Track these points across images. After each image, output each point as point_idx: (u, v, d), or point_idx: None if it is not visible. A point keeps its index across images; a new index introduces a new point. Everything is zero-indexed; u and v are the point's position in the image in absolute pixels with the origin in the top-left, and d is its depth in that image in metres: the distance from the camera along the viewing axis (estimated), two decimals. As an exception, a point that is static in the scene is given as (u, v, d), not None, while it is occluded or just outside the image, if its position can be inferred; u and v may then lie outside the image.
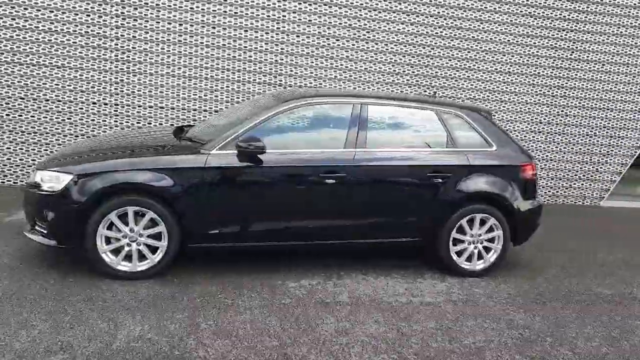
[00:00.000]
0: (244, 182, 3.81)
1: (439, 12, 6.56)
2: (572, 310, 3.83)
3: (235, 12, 6.04)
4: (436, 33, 6.59)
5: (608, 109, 7.33)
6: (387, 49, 6.50)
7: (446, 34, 6.64)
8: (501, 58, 6.89)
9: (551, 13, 6.90)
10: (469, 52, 6.76)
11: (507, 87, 6.97)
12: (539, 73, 7.06)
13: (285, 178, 3.87)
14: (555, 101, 7.18)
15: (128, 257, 3.72)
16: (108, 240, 3.67)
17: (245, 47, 6.15)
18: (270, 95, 4.54)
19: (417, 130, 4.27)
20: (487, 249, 4.32)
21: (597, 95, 7.27)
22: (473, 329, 3.40)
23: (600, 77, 7.22)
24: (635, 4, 7.08)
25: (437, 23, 6.59)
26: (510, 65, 6.94)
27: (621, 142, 7.49)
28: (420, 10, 6.48)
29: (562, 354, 3.16)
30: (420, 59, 6.62)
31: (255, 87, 6.29)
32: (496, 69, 6.90)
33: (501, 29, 6.79)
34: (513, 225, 4.31)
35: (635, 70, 7.27)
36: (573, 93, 7.19)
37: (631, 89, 7.32)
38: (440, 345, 3.15)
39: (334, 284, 3.96)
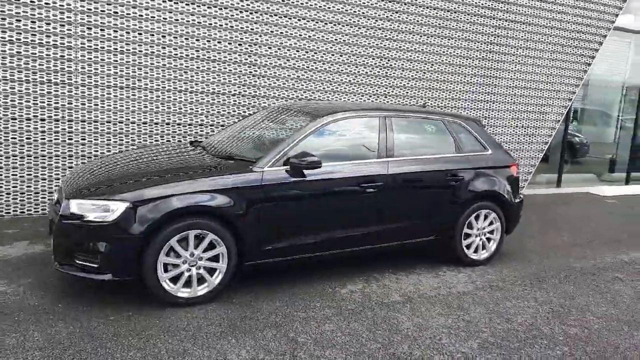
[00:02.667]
0: (295, 197, 3.91)
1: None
2: (568, 284, 4.57)
3: (206, 24, 5.92)
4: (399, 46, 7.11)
5: (527, 104, 8.52)
6: (348, 61, 6.84)
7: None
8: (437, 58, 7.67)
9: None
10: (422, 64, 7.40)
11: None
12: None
13: (331, 190, 4.04)
14: (487, 97, 8.16)
15: (186, 283, 3.61)
16: (165, 268, 3.53)
17: (215, 58, 6.06)
18: (287, 109, 4.66)
19: (430, 139, 4.71)
20: (489, 240, 4.92)
21: (520, 87, 8.41)
22: (514, 309, 3.93)
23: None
24: None
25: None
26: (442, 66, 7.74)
27: (534, 139, 8.76)
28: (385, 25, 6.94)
29: (590, 320, 3.83)
30: (379, 69, 7.07)
31: (230, 98, 6.22)
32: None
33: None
34: (507, 217, 4.98)
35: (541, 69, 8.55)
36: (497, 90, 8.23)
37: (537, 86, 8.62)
38: (504, 326, 3.61)
39: (377, 285, 4.23)
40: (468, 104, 7.95)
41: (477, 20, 7.77)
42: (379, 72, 7.15)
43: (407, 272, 4.58)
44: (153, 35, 5.77)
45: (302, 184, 3.89)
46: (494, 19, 7.90)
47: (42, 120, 5.45)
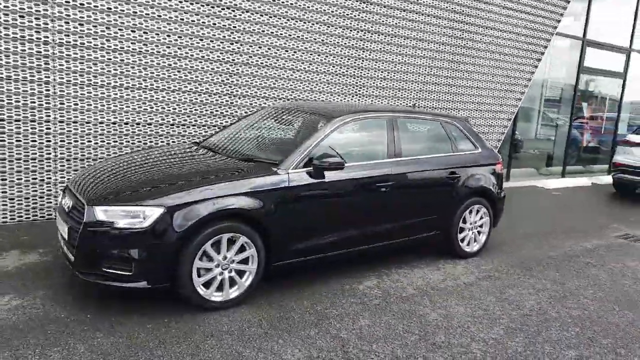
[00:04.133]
0: (318, 197, 3.99)
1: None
2: (552, 271, 5.00)
3: (190, 21, 5.77)
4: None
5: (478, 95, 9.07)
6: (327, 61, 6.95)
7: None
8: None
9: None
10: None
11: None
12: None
13: (350, 190, 4.16)
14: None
15: (217, 287, 3.59)
16: (198, 272, 3.49)
17: (198, 56, 5.94)
18: (294, 110, 4.71)
19: (430, 139, 4.96)
20: (479, 233, 5.27)
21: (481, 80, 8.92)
22: (519, 296, 4.26)
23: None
24: None
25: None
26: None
27: (489, 136, 9.35)
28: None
29: (585, 302, 4.24)
30: (354, 70, 7.23)
31: (212, 97, 6.10)
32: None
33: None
34: (494, 211, 5.35)
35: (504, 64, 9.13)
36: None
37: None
38: (518, 312, 3.93)
39: (390, 280, 4.41)
40: (432, 103, 8.34)
41: (442, 26, 8.16)
42: (353, 72, 7.33)
43: (411, 266, 4.81)
44: (158, 35, 5.57)
45: (324, 185, 3.98)
46: (457, 22, 8.34)
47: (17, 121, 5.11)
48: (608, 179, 11.67)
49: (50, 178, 5.37)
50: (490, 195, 5.24)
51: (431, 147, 4.88)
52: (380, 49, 7.53)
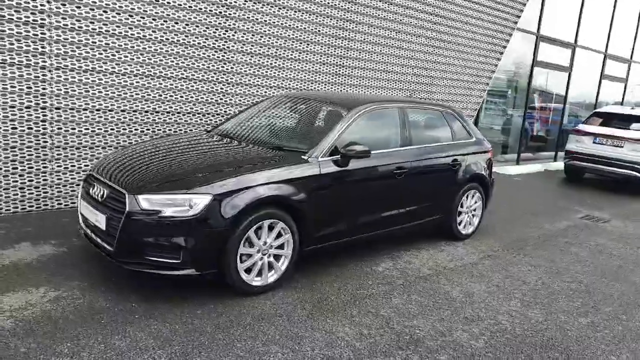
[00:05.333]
0: (345, 184, 4.15)
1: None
2: (540, 250, 5.46)
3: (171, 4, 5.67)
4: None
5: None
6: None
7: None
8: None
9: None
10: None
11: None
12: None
13: (373, 176, 4.36)
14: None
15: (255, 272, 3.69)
16: (241, 258, 3.58)
17: (188, 42, 5.87)
18: (309, 99, 4.83)
19: (433, 128, 5.23)
20: (473, 216, 5.64)
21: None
22: (521, 273, 4.65)
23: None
24: None
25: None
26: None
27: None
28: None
29: (577, 276, 4.70)
30: (341, 59, 7.38)
31: (206, 85, 6.05)
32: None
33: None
34: (486, 195, 5.74)
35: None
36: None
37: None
38: (526, 287, 4.31)
39: (403, 262, 4.67)
40: (409, 93, 8.67)
41: (418, 19, 8.47)
42: (340, 62, 7.49)
43: (417, 249, 5.09)
44: (155, 20, 5.43)
45: (350, 172, 4.14)
46: (432, 14, 8.68)
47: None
48: (557, 165, 12.61)
49: (46, 167, 5.17)
50: (483, 181, 5.61)
51: (435, 135, 5.16)
52: (365, 39, 7.73)
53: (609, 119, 10.30)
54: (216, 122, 6.36)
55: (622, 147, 9.56)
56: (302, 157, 3.95)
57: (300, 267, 4.18)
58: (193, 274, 3.39)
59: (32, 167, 5.08)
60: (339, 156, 4.06)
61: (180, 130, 6.05)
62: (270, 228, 3.68)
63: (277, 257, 3.80)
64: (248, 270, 3.63)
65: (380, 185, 4.47)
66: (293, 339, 3.12)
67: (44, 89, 5.01)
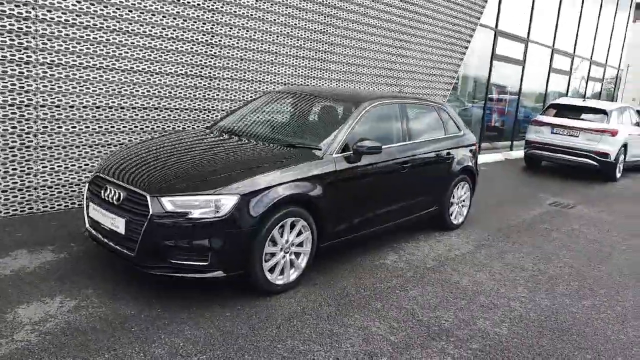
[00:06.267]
0: (358, 179, 4.20)
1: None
2: (524, 237, 5.75)
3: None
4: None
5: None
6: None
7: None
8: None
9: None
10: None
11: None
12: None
13: (383, 171, 4.44)
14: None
15: (278, 270, 3.68)
16: (264, 257, 3.56)
17: (174, 37, 5.69)
18: (312, 95, 4.82)
19: (428, 122, 5.36)
20: (462, 207, 5.85)
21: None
22: (517, 260, 4.89)
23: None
24: None
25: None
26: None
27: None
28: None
29: (566, 261, 4.99)
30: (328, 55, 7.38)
31: (188, 80, 5.89)
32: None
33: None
34: (473, 186, 5.96)
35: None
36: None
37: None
38: (526, 274, 4.53)
39: (407, 254, 4.78)
40: (382, 87, 8.81)
41: (390, 15, 8.60)
42: (321, 56, 7.50)
43: (415, 240, 5.22)
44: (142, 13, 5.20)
45: (361, 168, 4.20)
46: (402, 9, 8.84)
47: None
48: (515, 154, 13.22)
49: (31, 168, 4.89)
50: (472, 172, 5.83)
51: (430, 130, 5.30)
52: (343, 34, 7.77)
53: (564, 110, 10.90)
54: (204, 118, 6.22)
55: (578, 136, 10.16)
56: (317, 154, 3.96)
57: (314, 265, 4.19)
58: (220, 276, 3.34)
59: (15, 169, 4.78)
60: (352, 152, 4.10)
61: (170, 126, 5.87)
62: (292, 226, 3.68)
63: (296, 255, 3.80)
64: (271, 270, 3.61)
65: (387, 180, 4.56)
66: (329, 336, 3.15)
67: (28, 85, 4.72)
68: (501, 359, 3.06)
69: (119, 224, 3.39)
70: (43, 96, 4.84)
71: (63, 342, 2.83)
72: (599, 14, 18.14)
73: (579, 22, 16.71)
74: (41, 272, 3.68)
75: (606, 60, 20.08)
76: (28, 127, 4.80)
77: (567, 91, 17.26)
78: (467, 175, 5.76)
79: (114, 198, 3.48)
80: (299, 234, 3.75)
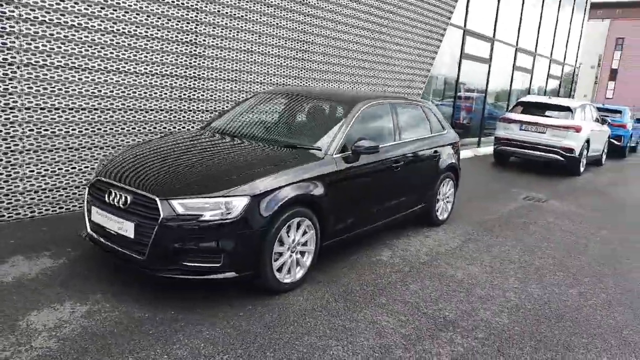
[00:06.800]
0: (356, 178, 4.30)
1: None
2: (506, 230, 6.00)
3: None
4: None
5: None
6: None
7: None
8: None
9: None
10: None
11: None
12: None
13: (379, 169, 4.56)
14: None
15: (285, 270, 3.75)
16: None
17: (159, 36, 5.63)
18: (304, 95, 4.89)
19: (415, 121, 5.51)
20: (447, 203, 6.05)
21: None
22: (505, 253, 5.10)
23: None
24: None
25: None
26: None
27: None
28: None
29: (548, 252, 5.25)
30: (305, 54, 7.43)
31: (174, 80, 5.83)
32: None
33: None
34: (456, 183, 6.17)
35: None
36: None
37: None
38: (515, 265, 4.75)
39: (401, 250, 4.92)
40: (359, 86, 8.95)
41: (367, 15, 8.75)
42: (302, 56, 7.56)
43: (406, 236, 5.37)
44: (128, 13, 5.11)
45: (361, 167, 4.30)
46: (380, 9, 9.00)
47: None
48: (483, 151, 13.65)
49: (17, 172, 4.76)
50: (456, 170, 6.04)
51: (418, 129, 5.46)
52: (325, 34, 7.85)
53: (530, 108, 11.35)
54: (193, 118, 6.19)
55: (545, 133, 10.61)
56: (317, 154, 4.03)
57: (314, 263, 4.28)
58: (232, 276, 3.38)
59: (1, 173, 4.64)
60: (351, 152, 4.20)
61: (159, 128, 5.81)
62: (297, 226, 3.74)
63: (301, 254, 3.87)
64: (279, 269, 3.67)
65: (381, 179, 4.68)
66: (343, 331, 3.24)
67: (13, 87, 4.59)
68: (507, 346, 3.24)
69: (127, 228, 3.37)
70: (28, 98, 4.71)
71: (84, 347, 2.81)
72: (558, 14, 18.91)
73: (540, 22, 17.38)
74: (44, 278, 3.61)
75: (564, 59, 20.96)
76: (14, 131, 4.67)
77: (529, 89, 17.92)
78: (451, 172, 5.96)
79: (120, 202, 3.45)
80: (304, 233, 3.82)
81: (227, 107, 6.60)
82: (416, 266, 4.52)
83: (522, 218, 6.68)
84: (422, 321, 3.48)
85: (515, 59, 16.07)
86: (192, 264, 3.31)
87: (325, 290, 3.84)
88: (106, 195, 3.57)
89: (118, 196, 3.48)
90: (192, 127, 6.24)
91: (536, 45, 17.57)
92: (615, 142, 14.92)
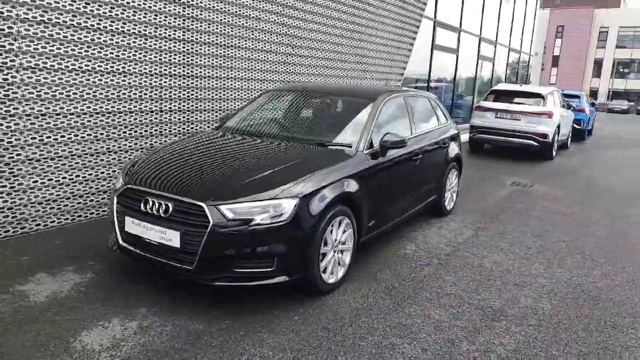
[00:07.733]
0: (384, 173, 4.28)
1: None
2: (508, 217, 6.15)
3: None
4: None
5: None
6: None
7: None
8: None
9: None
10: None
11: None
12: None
13: (401, 163, 4.55)
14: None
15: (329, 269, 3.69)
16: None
17: (156, 34, 5.40)
18: (323, 92, 4.82)
19: (425, 114, 5.54)
20: (453, 193, 6.14)
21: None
22: (517, 239, 5.24)
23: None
24: None
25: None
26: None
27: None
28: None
29: (560, 236, 5.43)
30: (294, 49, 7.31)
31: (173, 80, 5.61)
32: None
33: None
34: (460, 173, 6.27)
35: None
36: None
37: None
38: (533, 250, 4.88)
39: (421, 242, 4.95)
40: (342, 79, 8.93)
41: (349, 14, 8.72)
42: (290, 51, 7.46)
43: (420, 228, 5.41)
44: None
45: (389, 161, 4.30)
46: (361, 9, 8.99)
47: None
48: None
49: (21, 184, 4.46)
50: (460, 160, 6.13)
51: (428, 121, 5.50)
52: (316, 29, 7.77)
53: (503, 96, 11.67)
54: (196, 118, 5.99)
55: (520, 120, 10.94)
56: (347, 152, 3.99)
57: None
58: (284, 280, 3.30)
59: (4, 186, 4.34)
60: (379, 147, 4.18)
61: (162, 129, 5.58)
62: (338, 225, 3.69)
63: (341, 252, 3.82)
64: (324, 270, 3.61)
65: (405, 172, 4.69)
66: (402, 328, 3.23)
67: (13, 93, 4.28)
68: (562, 331, 3.32)
69: (171, 237, 3.22)
70: (29, 104, 4.41)
71: (151, 366, 2.67)
72: (514, 3, 19.51)
73: (499, 11, 17.88)
74: (78, 295, 3.41)
75: (520, 47, 21.68)
76: (16, 140, 4.37)
77: (492, 77, 18.45)
78: (456, 162, 6.05)
79: (161, 210, 3.29)
80: (343, 232, 3.78)
81: (227, 106, 6.42)
82: (443, 258, 4.56)
83: (519, 204, 6.87)
84: (473, 312, 3.51)
85: (479, 48, 16.48)
86: (245, 270, 3.21)
87: (368, 288, 3.81)
88: (142, 204, 3.39)
89: (157, 204, 3.31)
90: (192, 128, 6.04)
91: (497, 35, 18.07)
92: (576, 126, 15.58)
